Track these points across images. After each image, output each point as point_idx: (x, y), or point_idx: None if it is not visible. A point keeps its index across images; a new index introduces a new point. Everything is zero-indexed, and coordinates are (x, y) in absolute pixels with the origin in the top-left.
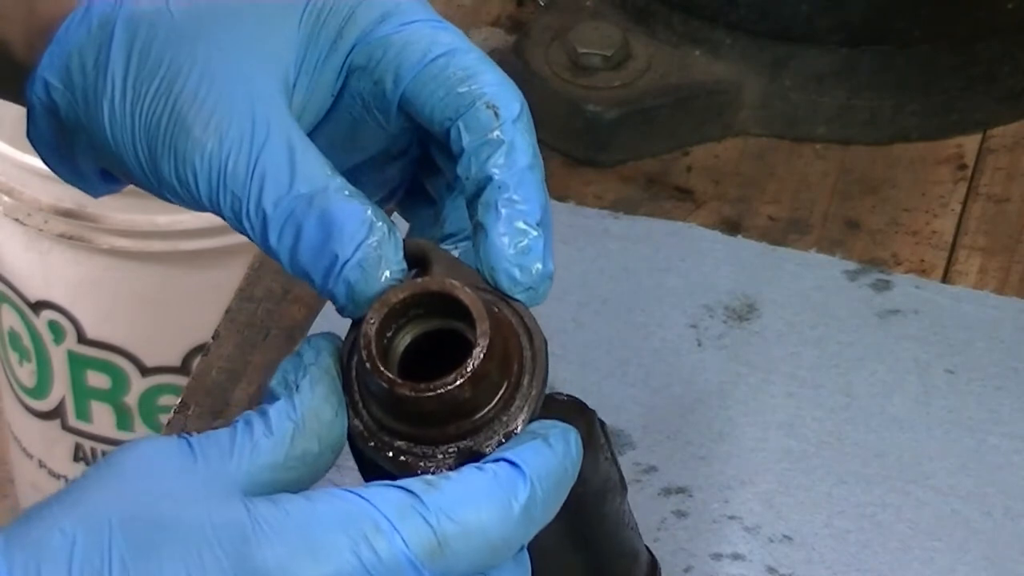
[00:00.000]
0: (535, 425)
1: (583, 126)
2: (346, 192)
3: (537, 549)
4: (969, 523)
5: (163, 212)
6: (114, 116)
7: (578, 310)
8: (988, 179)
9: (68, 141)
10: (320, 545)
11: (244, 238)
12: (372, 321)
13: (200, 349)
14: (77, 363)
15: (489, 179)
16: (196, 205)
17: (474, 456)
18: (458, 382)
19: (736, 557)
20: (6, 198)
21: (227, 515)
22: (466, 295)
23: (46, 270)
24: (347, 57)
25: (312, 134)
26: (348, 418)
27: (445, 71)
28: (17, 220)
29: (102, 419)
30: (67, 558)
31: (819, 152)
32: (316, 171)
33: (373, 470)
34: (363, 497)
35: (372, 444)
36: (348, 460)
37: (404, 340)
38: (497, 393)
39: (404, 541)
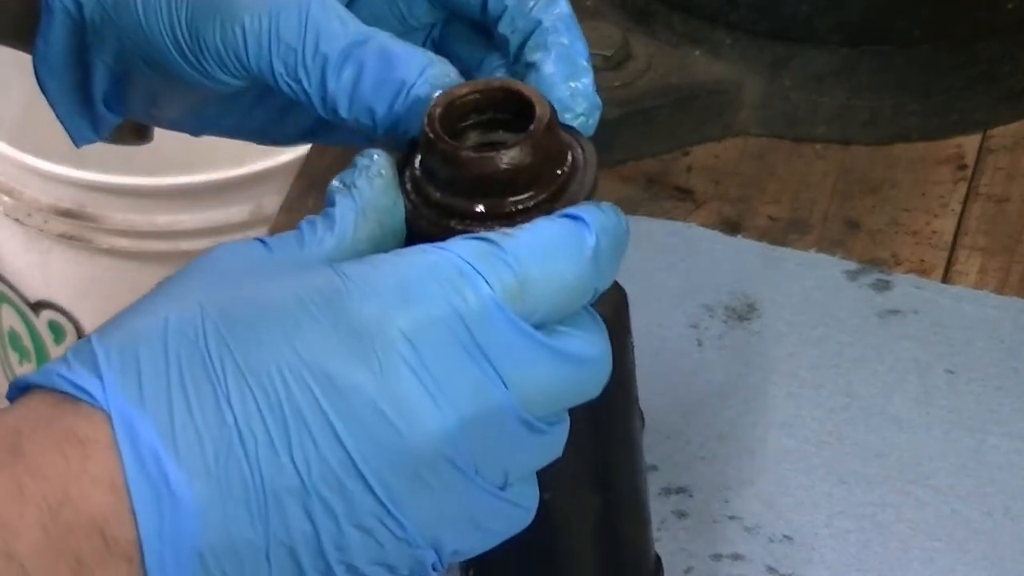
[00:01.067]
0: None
1: None
2: (396, 37)
3: (554, 480)
4: (969, 523)
5: (163, 212)
6: None
7: None
8: (988, 179)
9: (81, 56)
10: (411, 292)
11: (244, 238)
12: (437, 105)
13: None
14: None
15: (537, 23)
16: (240, 69)
17: None
18: (519, 145)
19: (736, 557)
20: (6, 198)
21: (316, 279)
22: (526, 88)
23: (46, 270)
24: None
25: None
26: (407, 210)
27: None
28: (17, 220)
29: None
30: (162, 336)
31: (819, 152)
32: (364, 24)
33: None
34: (445, 248)
35: (429, 227)
36: None
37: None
38: (553, 173)
39: (488, 284)
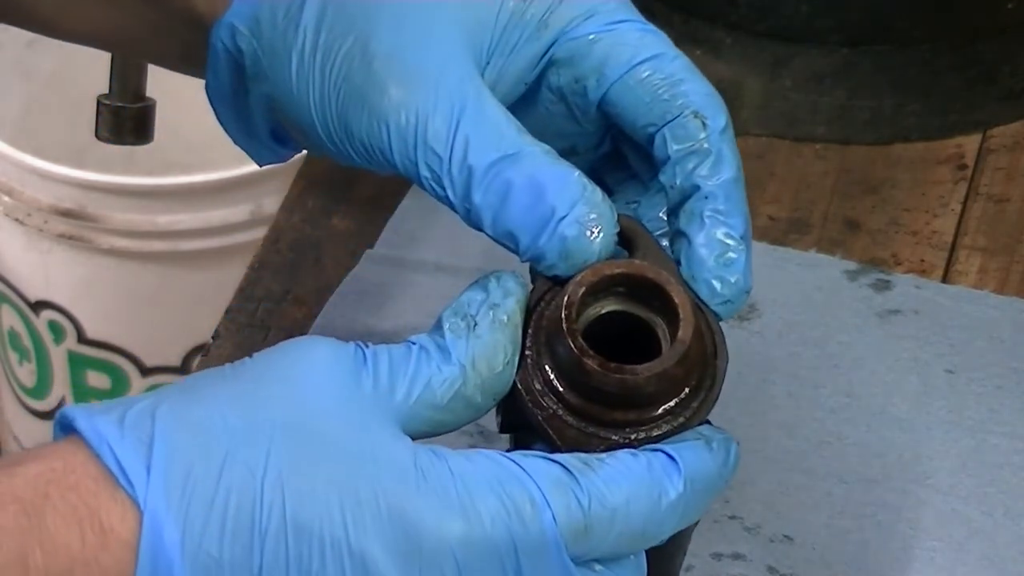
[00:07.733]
0: (701, 428)
1: None
2: (552, 156)
3: None
4: (969, 523)
5: (163, 212)
6: (302, 69)
7: None
8: (988, 179)
9: (244, 93)
10: (474, 509)
11: (244, 238)
12: (581, 287)
13: (200, 349)
14: (77, 363)
15: (696, 188)
16: (384, 163)
17: (629, 447)
18: (646, 375)
19: (736, 557)
20: (6, 198)
21: (392, 454)
22: (679, 295)
23: (46, 270)
24: (548, 49)
25: None
26: (517, 369)
27: (651, 76)
28: (17, 220)
29: None
30: (220, 460)
31: (819, 152)
32: (520, 135)
33: (518, 427)
34: (521, 467)
35: (532, 403)
36: None
37: (596, 312)
38: (673, 397)
39: (554, 518)
